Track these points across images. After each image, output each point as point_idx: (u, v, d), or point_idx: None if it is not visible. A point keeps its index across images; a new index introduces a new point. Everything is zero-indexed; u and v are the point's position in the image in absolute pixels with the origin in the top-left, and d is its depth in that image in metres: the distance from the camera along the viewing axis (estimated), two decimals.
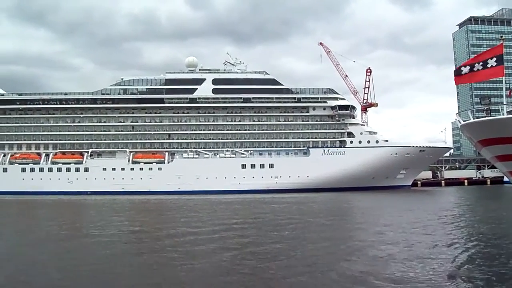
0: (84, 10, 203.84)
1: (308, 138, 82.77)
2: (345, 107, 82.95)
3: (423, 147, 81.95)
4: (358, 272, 15.61)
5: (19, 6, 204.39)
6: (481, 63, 23.57)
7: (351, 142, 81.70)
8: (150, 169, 79.90)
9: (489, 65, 23.19)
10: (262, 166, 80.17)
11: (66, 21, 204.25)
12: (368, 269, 16.02)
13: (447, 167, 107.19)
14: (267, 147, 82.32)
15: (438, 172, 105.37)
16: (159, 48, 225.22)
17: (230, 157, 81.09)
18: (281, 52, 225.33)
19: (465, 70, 24.26)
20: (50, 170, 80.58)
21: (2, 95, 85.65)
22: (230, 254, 19.73)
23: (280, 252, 20.20)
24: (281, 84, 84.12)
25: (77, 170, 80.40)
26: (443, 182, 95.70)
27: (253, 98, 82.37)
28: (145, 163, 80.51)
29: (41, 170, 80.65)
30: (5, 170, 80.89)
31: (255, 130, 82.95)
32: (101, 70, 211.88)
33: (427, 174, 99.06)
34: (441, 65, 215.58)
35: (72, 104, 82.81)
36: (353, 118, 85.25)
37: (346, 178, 76.84)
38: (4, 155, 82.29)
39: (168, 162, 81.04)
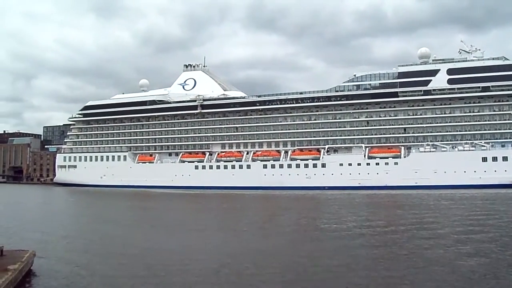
0: (311, 12, 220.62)
1: None
2: None
3: None
4: None
5: (252, 15, 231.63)
6: None
7: None
8: (386, 163, 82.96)
9: None
10: (505, 159, 78.10)
11: (296, 24, 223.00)
12: None
13: None
14: (510, 138, 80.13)
15: None
16: (387, 42, 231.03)
17: (469, 150, 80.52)
18: None
19: None
20: (289, 166, 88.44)
21: (243, 97, 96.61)
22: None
23: None
24: None
25: (315, 166, 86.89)
26: None
27: (492, 86, 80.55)
28: (381, 158, 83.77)
29: (281, 166, 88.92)
30: (248, 167, 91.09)
31: (496, 120, 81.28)
32: (332, 68, 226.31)
33: None
34: None
35: (307, 102, 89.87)
36: None
37: None
38: (247, 153, 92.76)
39: (404, 157, 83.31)
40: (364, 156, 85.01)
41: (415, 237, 27.98)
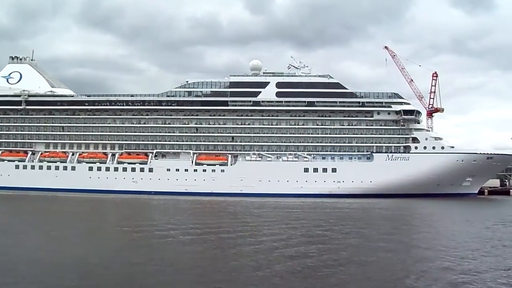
0: (148, 14, 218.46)
1: (372, 143, 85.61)
2: (410, 112, 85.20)
3: (491, 154, 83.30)
4: None
5: (86, 12, 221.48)
6: None
7: (416, 147, 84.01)
8: (213, 171, 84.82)
9: None
10: (324, 170, 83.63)
11: (131, 25, 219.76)
12: None
13: None
14: (330, 151, 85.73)
15: (506, 180, 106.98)
16: (221, 51, 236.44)
17: (292, 161, 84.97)
18: (343, 56, 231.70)
19: None
20: (116, 169, 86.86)
21: (72, 96, 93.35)
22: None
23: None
24: (345, 88, 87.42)
25: (142, 170, 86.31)
26: (511, 191, 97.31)
27: (317, 102, 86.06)
28: (208, 164, 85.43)
29: (107, 169, 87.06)
30: (73, 168, 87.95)
31: (318, 134, 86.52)
32: (165, 73, 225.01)
33: (495, 182, 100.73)
34: (507, 70, 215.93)
35: (138, 105, 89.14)
36: (418, 123, 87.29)
37: (410, 184, 79.33)
38: (72, 154, 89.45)
39: (231, 164, 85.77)
40: (192, 162, 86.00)
41: (227, 241, 28.29)
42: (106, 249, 25.44)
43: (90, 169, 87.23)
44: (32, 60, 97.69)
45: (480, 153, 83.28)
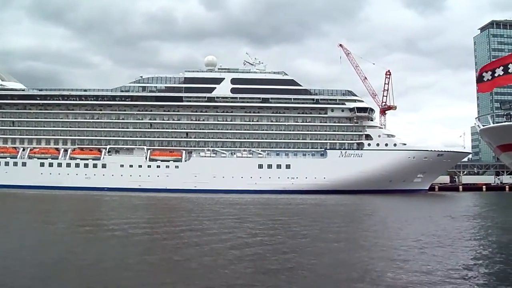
0: (102, 8, 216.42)
1: (326, 139, 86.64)
2: (364, 109, 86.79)
3: (441, 151, 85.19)
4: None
5: (38, 4, 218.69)
6: (501, 68, 24.75)
7: (369, 144, 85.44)
8: (167, 167, 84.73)
9: (510, 70, 24.23)
10: (279, 166, 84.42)
11: (85, 18, 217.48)
12: None
13: (465, 172, 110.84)
14: (284, 147, 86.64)
15: (456, 177, 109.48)
16: (176, 47, 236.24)
17: (247, 157, 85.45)
18: (297, 54, 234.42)
19: (487, 76, 25.07)
20: (68, 165, 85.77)
21: (23, 90, 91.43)
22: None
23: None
24: (300, 85, 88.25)
25: (95, 166, 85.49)
26: (460, 187, 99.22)
27: (272, 98, 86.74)
28: (162, 160, 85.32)
29: (59, 165, 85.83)
30: (24, 164, 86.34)
31: (272, 130, 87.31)
32: (119, 68, 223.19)
33: (445, 179, 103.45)
34: (457, 69, 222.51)
35: (91, 100, 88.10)
36: (371, 120, 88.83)
37: (363, 181, 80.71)
38: (23, 150, 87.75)
39: (185, 161, 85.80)
40: (146, 158, 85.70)
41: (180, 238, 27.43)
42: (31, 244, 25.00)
43: (42, 165, 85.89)
44: None
45: (431, 150, 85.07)
